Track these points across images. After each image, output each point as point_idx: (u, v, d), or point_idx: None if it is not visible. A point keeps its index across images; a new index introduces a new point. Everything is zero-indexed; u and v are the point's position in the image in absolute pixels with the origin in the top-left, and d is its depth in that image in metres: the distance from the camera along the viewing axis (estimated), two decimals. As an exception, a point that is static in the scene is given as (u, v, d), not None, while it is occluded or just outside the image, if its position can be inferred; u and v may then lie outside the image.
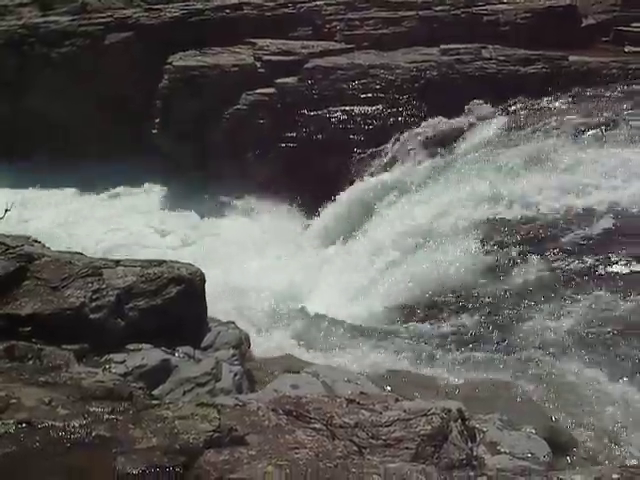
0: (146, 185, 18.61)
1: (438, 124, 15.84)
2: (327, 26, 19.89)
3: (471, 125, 15.49)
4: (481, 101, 15.97)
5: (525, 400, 7.84)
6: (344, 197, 15.24)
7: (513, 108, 15.57)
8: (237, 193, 16.33)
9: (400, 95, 16.70)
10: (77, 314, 6.61)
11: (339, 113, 16.70)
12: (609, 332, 9.27)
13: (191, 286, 7.51)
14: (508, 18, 19.02)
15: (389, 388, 7.86)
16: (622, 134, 13.47)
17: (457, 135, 15.39)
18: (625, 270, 10.52)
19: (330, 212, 15.25)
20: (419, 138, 15.62)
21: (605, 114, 14.30)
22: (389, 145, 15.93)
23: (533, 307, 10.11)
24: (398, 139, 15.89)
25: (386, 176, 15.11)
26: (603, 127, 13.84)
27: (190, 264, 7.84)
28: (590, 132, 13.75)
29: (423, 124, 15.95)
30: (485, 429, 5.93)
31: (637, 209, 11.60)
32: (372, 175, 15.51)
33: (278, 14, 20.10)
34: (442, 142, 15.39)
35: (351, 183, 15.56)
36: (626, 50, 17.90)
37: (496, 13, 19.26)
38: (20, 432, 4.01)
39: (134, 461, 3.77)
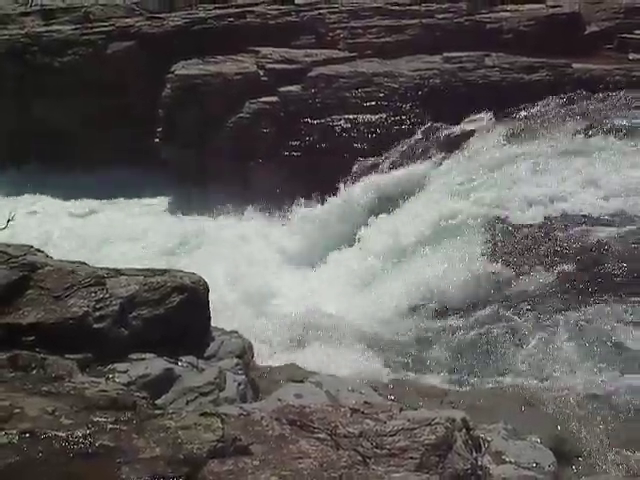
0: (148, 193, 18.55)
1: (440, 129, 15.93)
2: (330, 34, 19.95)
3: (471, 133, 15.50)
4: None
5: (530, 409, 7.82)
6: (347, 199, 15.26)
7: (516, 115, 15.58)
8: (240, 201, 16.31)
9: (403, 103, 16.70)
10: (80, 323, 6.59)
11: (342, 121, 16.70)
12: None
13: (194, 295, 7.48)
14: (511, 26, 19.05)
15: (393, 397, 7.84)
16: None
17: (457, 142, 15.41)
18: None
19: (332, 217, 15.24)
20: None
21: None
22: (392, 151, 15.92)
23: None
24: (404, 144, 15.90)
25: (392, 178, 15.12)
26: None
27: (193, 273, 7.82)
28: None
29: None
30: (490, 438, 5.89)
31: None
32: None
33: (281, 22, 20.20)
34: (443, 148, 15.41)
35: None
36: (630, 57, 17.88)
37: (499, 21, 19.31)
38: (23, 442, 3.99)
39: (137, 471, 3.76)
